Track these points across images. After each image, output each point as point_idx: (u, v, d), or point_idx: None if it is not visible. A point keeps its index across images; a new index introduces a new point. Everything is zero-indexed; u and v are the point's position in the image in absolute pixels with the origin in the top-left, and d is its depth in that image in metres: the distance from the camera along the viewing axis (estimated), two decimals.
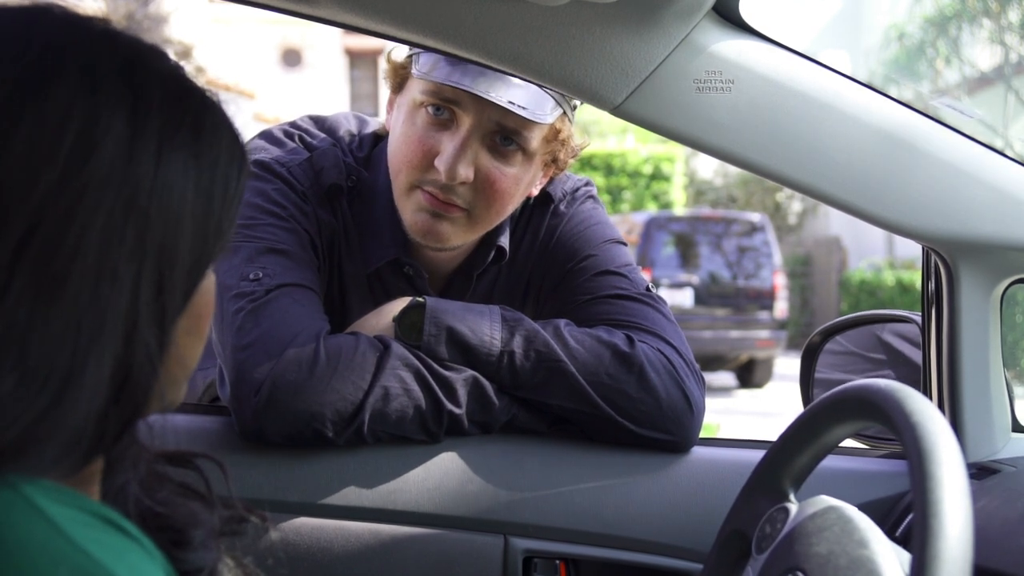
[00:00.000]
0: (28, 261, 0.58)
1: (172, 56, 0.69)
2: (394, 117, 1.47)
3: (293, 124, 1.55)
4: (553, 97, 1.37)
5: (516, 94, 1.34)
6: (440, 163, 1.36)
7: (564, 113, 1.41)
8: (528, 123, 1.37)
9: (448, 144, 1.36)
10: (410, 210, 1.42)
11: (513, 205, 1.47)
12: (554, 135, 1.43)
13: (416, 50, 1.40)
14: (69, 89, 0.60)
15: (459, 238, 1.45)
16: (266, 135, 1.52)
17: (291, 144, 1.50)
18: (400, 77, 1.45)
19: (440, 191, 1.38)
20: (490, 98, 1.32)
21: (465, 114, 1.36)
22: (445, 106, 1.37)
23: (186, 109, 0.66)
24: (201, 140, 0.66)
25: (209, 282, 0.70)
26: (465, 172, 1.36)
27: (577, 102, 1.44)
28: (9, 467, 0.58)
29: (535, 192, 1.53)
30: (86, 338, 0.59)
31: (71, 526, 0.57)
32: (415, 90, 1.40)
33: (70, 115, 0.60)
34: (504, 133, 1.38)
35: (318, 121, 1.57)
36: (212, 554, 0.76)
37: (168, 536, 0.74)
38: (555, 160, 1.48)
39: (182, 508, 0.77)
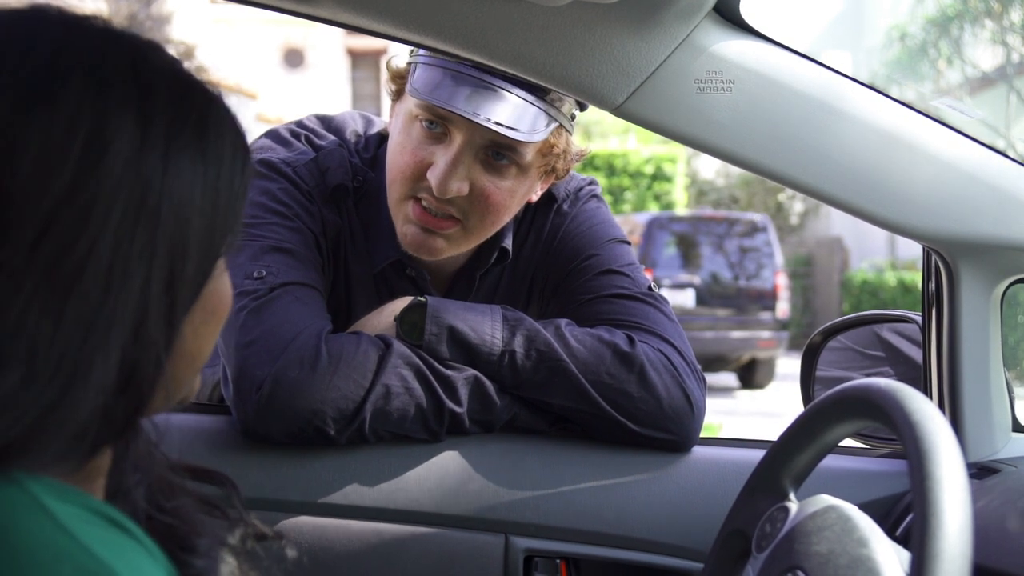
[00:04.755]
0: (40, 263, 0.58)
1: (172, 51, 0.69)
2: (393, 125, 1.47)
3: (299, 124, 1.55)
4: (547, 112, 1.37)
5: (506, 113, 1.33)
6: (432, 177, 1.36)
7: (560, 126, 1.41)
8: (520, 140, 1.36)
9: (441, 158, 1.36)
10: (402, 222, 1.43)
11: (509, 216, 1.47)
12: (549, 148, 1.42)
13: (414, 59, 1.40)
14: (76, 91, 0.60)
15: (452, 250, 1.45)
16: (272, 135, 1.52)
17: (297, 144, 1.50)
18: (399, 86, 1.45)
19: (435, 201, 1.38)
20: (478, 120, 1.32)
21: (457, 131, 1.36)
22: (438, 121, 1.37)
23: (191, 106, 0.65)
24: (206, 136, 0.65)
25: (219, 277, 0.70)
26: (457, 186, 1.36)
27: (578, 111, 1.44)
28: (14, 463, 0.58)
29: (535, 199, 1.53)
30: (96, 335, 0.59)
31: (75, 524, 0.57)
32: (411, 102, 1.39)
33: (79, 118, 0.59)
34: (496, 148, 1.37)
35: (324, 121, 1.57)
36: (216, 563, 0.76)
37: (174, 542, 0.74)
38: (553, 170, 1.47)
39: (191, 517, 0.77)
